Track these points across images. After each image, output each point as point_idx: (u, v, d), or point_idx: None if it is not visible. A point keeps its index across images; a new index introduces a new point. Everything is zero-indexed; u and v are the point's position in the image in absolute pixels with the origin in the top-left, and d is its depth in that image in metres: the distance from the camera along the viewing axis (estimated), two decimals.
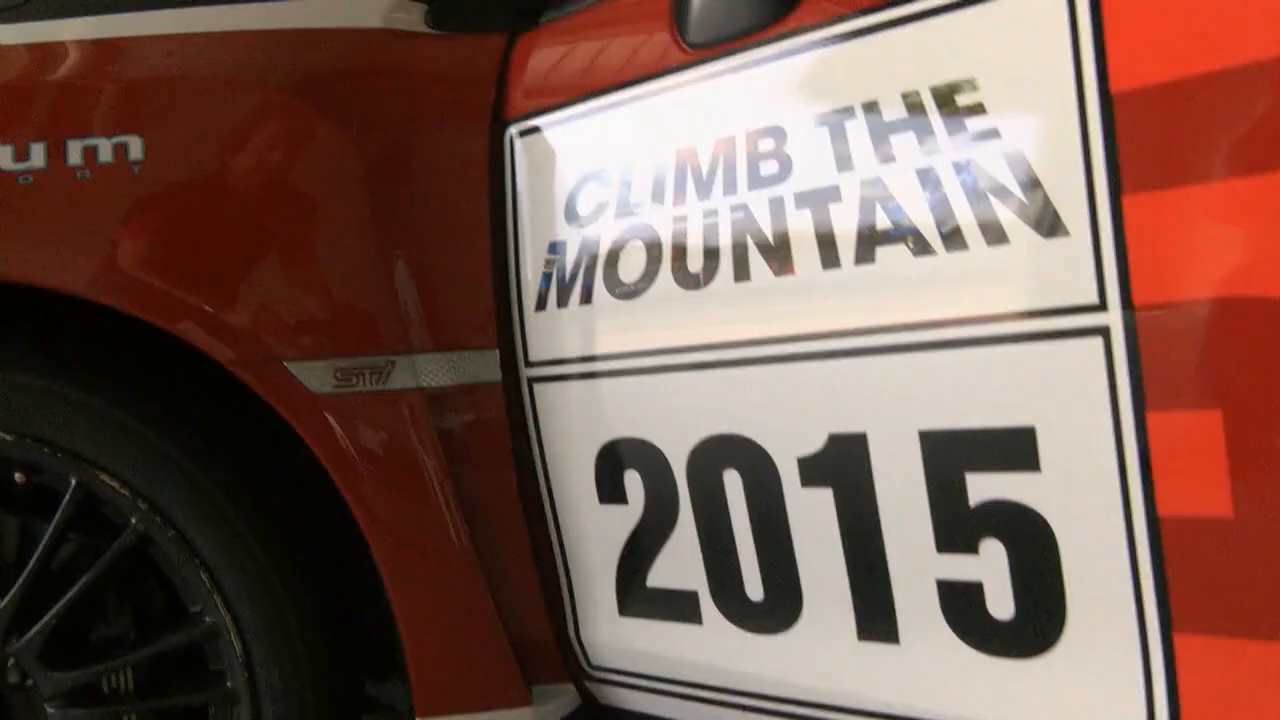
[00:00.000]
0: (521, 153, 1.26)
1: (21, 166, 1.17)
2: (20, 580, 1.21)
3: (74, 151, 1.18)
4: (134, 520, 1.21)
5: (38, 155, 1.18)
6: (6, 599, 1.22)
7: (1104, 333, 0.89)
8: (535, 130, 1.25)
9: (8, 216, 1.18)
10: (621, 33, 1.26)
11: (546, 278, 1.23)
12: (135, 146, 1.19)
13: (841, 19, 1.04)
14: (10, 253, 1.18)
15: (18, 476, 1.25)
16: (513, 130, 1.27)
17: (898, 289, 1.00)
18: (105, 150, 1.18)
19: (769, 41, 1.08)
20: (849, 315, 1.03)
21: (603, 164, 1.20)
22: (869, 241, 1.00)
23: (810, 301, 1.05)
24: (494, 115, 1.28)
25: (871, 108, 1.01)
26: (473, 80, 1.30)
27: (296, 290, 1.21)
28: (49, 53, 1.28)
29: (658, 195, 1.15)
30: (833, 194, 1.03)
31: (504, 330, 1.26)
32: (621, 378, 1.18)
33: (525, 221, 1.25)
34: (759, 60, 1.09)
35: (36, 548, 1.24)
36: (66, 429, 1.20)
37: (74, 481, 1.21)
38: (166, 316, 1.17)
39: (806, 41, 1.06)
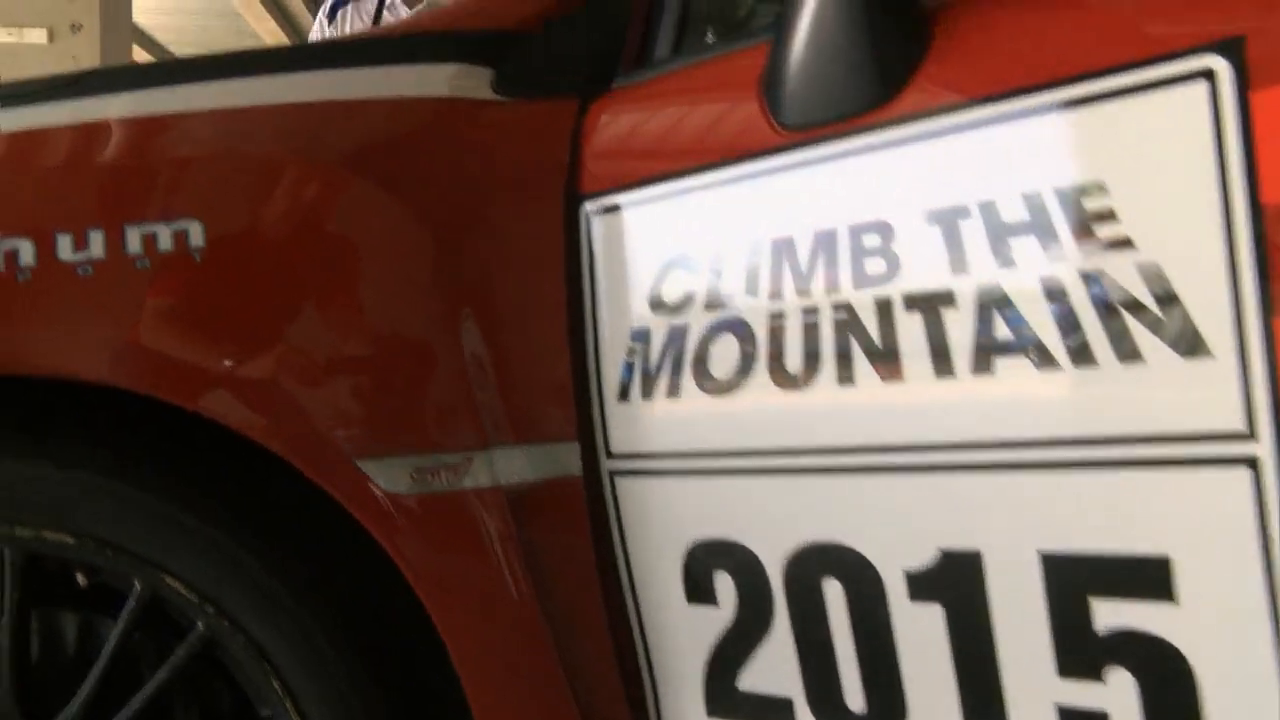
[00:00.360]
0: (599, 232, 1.20)
1: (81, 257, 1.12)
2: (85, 688, 1.16)
3: (133, 239, 1.13)
4: (200, 624, 1.16)
5: (96, 244, 1.13)
6: (71, 707, 1.16)
7: (1252, 463, 0.83)
8: (613, 209, 1.19)
9: (72, 310, 1.13)
10: (705, 104, 1.20)
11: (629, 367, 1.17)
12: (196, 232, 1.13)
13: (952, 109, 0.97)
14: (75, 349, 1.13)
15: (79, 579, 1.20)
16: (589, 207, 1.20)
17: (1018, 403, 0.93)
18: (165, 237, 1.13)
19: (873, 128, 1.02)
20: (964, 427, 0.96)
21: (689, 250, 1.14)
22: (987, 351, 0.94)
23: (921, 410, 0.98)
24: (568, 189, 1.22)
25: (989, 208, 0.94)
26: (545, 151, 1.25)
27: (372, 384, 1.15)
28: (102, 132, 1.23)
29: (751, 288, 1.08)
30: (946, 298, 0.96)
31: (583, 420, 1.20)
32: (713, 477, 1.12)
33: (605, 306, 1.19)
34: (862, 149, 1.02)
35: (96, 645, 1.20)
36: (129, 531, 1.15)
37: (138, 586, 1.15)
38: (236, 417, 1.12)
39: (915, 131, 0.99)
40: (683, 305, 1.13)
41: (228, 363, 1.13)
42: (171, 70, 1.31)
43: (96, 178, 1.19)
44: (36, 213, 1.16)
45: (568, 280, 1.21)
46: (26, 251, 1.12)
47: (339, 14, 3.47)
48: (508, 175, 1.23)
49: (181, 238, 1.13)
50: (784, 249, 1.06)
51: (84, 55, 5.87)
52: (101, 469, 1.14)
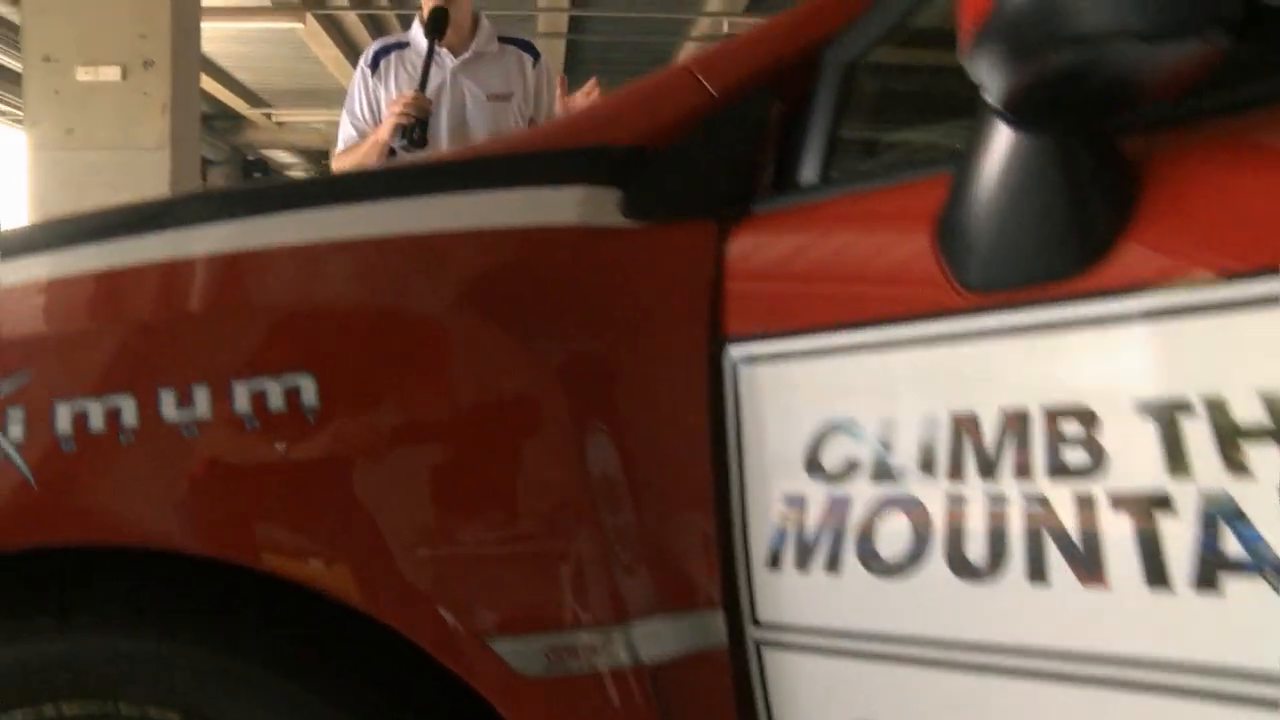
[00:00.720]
0: (747, 382, 1.10)
1: (185, 416, 1.03)
2: None
3: (241, 396, 1.04)
4: None
5: (202, 402, 1.04)
6: None
7: None
8: (763, 358, 1.10)
9: (180, 478, 1.04)
10: (868, 246, 1.10)
11: (781, 534, 1.07)
12: (309, 389, 1.04)
13: (1171, 285, 0.87)
14: (183, 520, 1.05)
15: None
16: (734, 353, 1.11)
17: (1254, 630, 0.82)
18: (275, 395, 1.04)
19: (1073, 300, 0.91)
20: (1183, 647, 0.86)
21: (853, 413, 1.04)
22: (1212, 566, 0.84)
23: (1130, 621, 0.88)
24: (710, 330, 1.13)
25: (1217, 405, 0.84)
26: (683, 282, 1.15)
27: (503, 554, 1.06)
28: (199, 271, 1.13)
29: (927, 464, 0.98)
30: (1162, 501, 0.86)
31: (727, 585, 1.10)
32: (879, 662, 1.02)
33: (754, 465, 1.09)
34: (1060, 322, 0.92)
35: None
36: (241, 709, 1.06)
37: None
38: (358, 595, 1.03)
39: (1124, 308, 0.89)
40: (845, 474, 1.03)
41: (348, 537, 1.04)
42: (269, 196, 1.23)
43: (198, 325, 1.11)
44: (137, 365, 1.07)
45: (711, 432, 1.11)
46: (129, 410, 1.04)
47: (381, 64, 3.35)
48: (645, 312, 1.14)
49: (293, 395, 1.04)
50: (966, 425, 0.96)
51: (155, 90, 5.91)
52: (211, 643, 1.06)
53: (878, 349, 1.03)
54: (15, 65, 7.13)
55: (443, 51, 3.26)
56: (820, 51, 1.22)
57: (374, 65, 3.36)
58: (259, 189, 1.28)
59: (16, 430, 1.03)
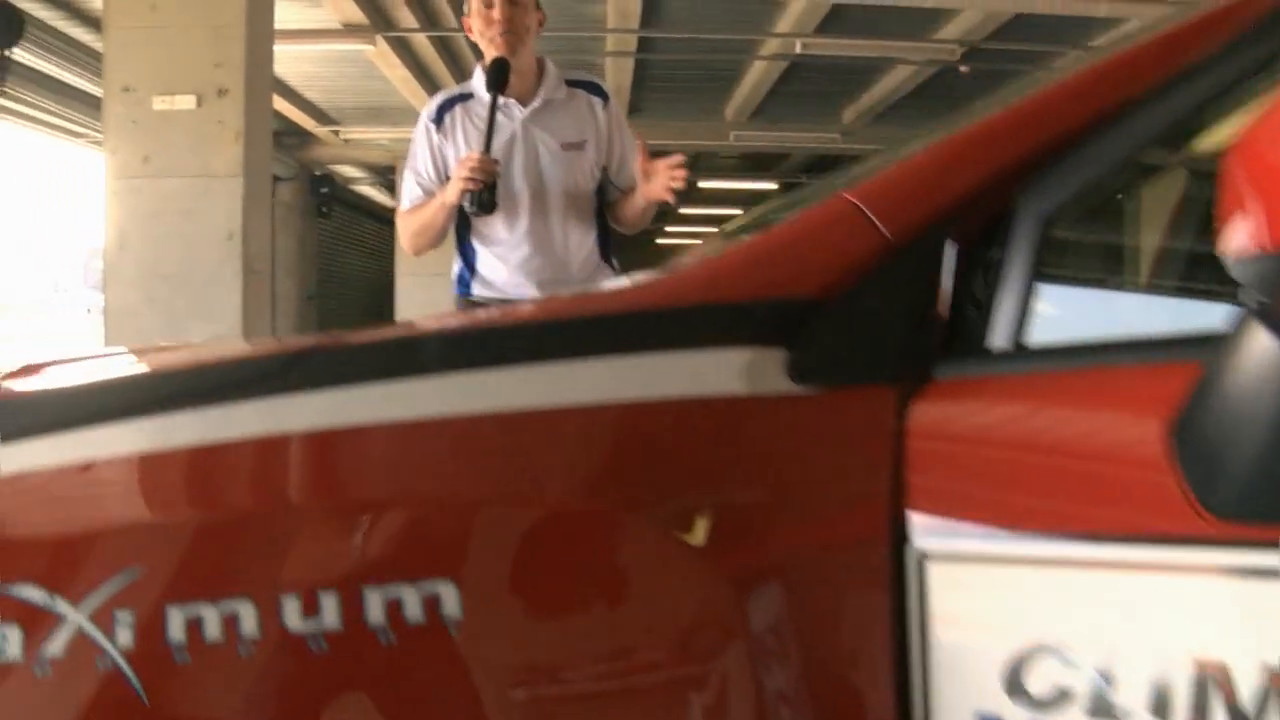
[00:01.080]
0: (935, 584, 0.97)
1: (312, 627, 0.92)
2: None
3: (374, 605, 0.92)
4: None
5: (330, 611, 0.92)
6: None
7: None
8: (955, 557, 0.97)
9: (310, 700, 0.93)
10: (1081, 438, 0.96)
11: None
12: (449, 598, 0.92)
13: None
14: None
15: None
16: (920, 546, 0.98)
17: None
18: (412, 604, 0.92)
19: None
20: None
21: (1065, 635, 0.91)
22: None
23: None
24: (891, 517, 1.00)
25: None
26: (858, 461, 1.02)
27: None
28: (312, 449, 1.01)
29: (1160, 710, 0.85)
30: None
31: None
32: None
33: (942, 676, 0.97)
34: None
35: None
36: None
37: None
38: None
39: None
40: (1055, 702, 0.91)
41: None
42: (388, 358, 1.09)
43: (319, 517, 0.99)
44: (255, 563, 0.96)
45: (892, 633, 0.99)
46: (249, 617, 0.92)
47: (446, 118, 3.13)
48: (817, 495, 1.02)
49: (432, 605, 0.92)
50: (1214, 674, 0.83)
51: (229, 118, 5.89)
52: None
53: (1098, 567, 0.90)
54: (98, 90, 7.16)
55: (510, 102, 3.06)
56: (1011, 194, 1.08)
57: (438, 120, 3.13)
58: (378, 349, 1.15)
59: (125, 636, 0.92)
